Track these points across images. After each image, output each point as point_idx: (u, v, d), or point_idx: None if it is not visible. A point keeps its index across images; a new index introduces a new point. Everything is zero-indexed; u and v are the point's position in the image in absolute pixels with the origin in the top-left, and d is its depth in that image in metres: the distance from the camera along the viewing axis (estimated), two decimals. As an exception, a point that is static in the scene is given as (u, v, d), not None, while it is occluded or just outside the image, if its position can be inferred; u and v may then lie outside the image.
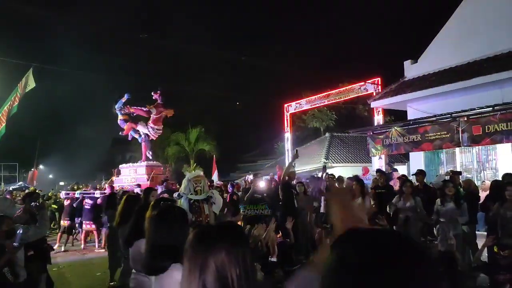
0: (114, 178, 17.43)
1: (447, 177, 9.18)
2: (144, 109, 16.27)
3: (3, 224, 3.58)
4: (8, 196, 10.72)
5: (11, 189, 14.49)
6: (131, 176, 16.32)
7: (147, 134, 16.58)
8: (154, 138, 16.97)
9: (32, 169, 26.04)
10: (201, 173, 7.51)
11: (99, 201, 11.49)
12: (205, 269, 1.36)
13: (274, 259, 4.87)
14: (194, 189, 6.32)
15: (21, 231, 3.61)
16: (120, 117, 16.28)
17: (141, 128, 16.52)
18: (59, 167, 37.61)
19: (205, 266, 1.37)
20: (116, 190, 12.29)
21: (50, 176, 40.94)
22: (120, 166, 17.70)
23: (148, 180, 15.08)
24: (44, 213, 4.54)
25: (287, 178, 8.57)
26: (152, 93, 16.20)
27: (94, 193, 12.46)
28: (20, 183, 27.57)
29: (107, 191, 11.89)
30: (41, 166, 37.24)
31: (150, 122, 16.23)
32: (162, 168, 17.14)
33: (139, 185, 13.70)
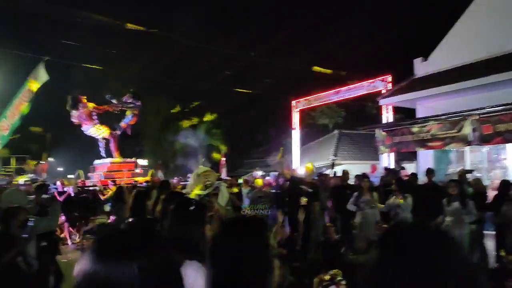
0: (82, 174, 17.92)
1: (456, 176, 9.17)
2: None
3: (19, 215, 3.63)
4: (22, 188, 10.86)
5: (23, 181, 14.67)
6: (103, 172, 16.84)
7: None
8: (96, 136, 17.57)
9: (42, 162, 26.34)
10: (208, 168, 7.52)
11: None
12: (227, 261, 1.39)
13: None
14: (204, 184, 6.33)
15: (31, 223, 3.66)
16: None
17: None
18: (69, 159, 37.89)
19: (228, 258, 1.40)
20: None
21: (60, 168, 41.29)
22: (95, 162, 18.14)
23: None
24: (55, 206, 4.60)
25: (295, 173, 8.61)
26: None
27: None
28: (31, 175, 27.85)
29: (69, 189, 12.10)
30: (50, 159, 37.56)
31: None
32: (133, 164, 17.63)
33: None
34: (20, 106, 12.83)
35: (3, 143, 13.83)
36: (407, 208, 7.29)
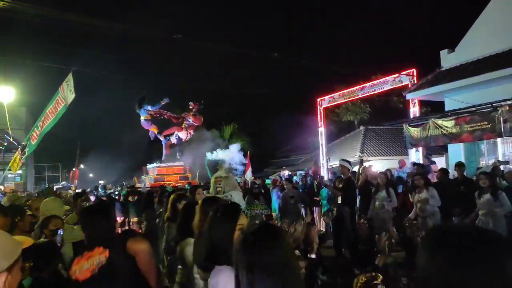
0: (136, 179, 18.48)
1: (490, 169, 8.91)
2: (178, 116, 17.52)
3: (49, 223, 3.73)
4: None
5: (55, 188, 15.18)
6: (153, 174, 17.33)
7: (180, 138, 17.68)
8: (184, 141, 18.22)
9: (74, 169, 27.13)
10: (223, 173, 7.22)
11: None
12: (251, 270, 1.41)
13: (313, 255, 4.87)
14: (215, 190, 6.30)
15: (61, 232, 3.73)
16: (144, 117, 17.26)
17: (179, 132, 17.64)
18: (99, 166, 38.85)
19: (250, 267, 1.42)
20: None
21: (91, 175, 42.34)
22: (148, 166, 18.60)
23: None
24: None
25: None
26: (191, 103, 17.57)
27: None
28: (63, 182, 28.70)
29: None
30: (81, 166, 38.61)
31: (188, 128, 17.52)
32: (182, 168, 18.02)
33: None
34: (51, 116, 13.11)
35: (30, 151, 14.23)
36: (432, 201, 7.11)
